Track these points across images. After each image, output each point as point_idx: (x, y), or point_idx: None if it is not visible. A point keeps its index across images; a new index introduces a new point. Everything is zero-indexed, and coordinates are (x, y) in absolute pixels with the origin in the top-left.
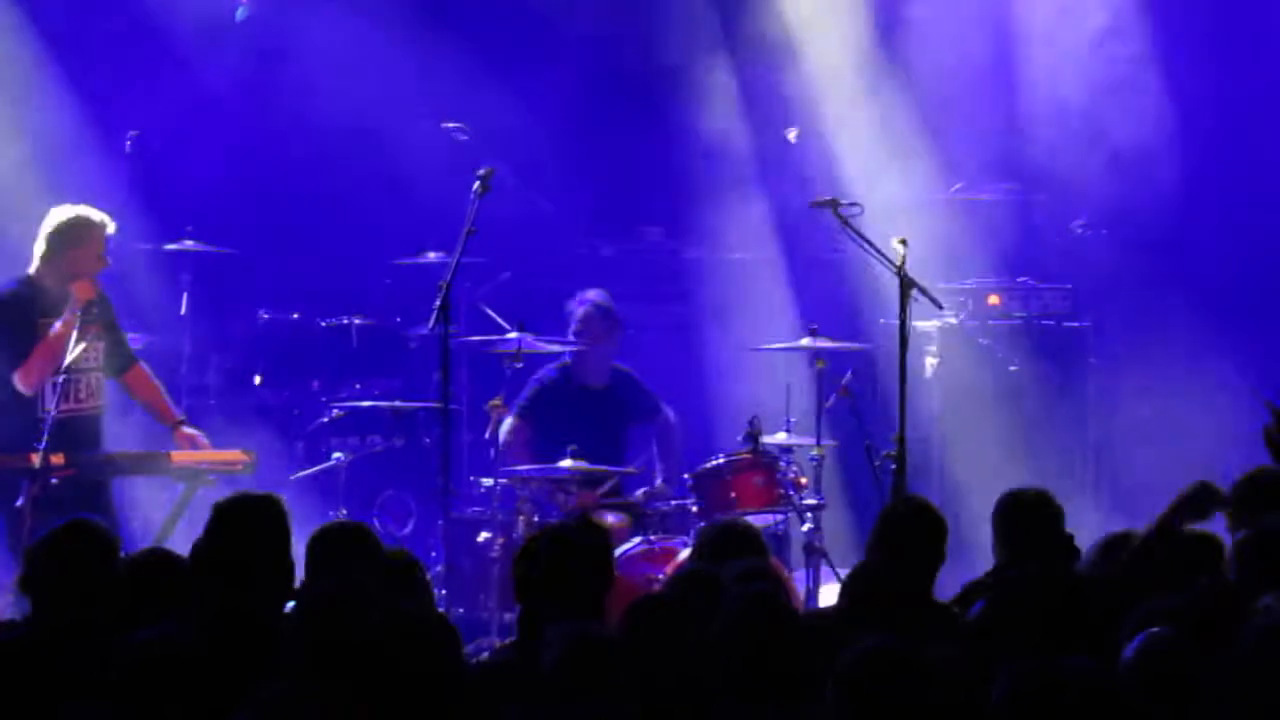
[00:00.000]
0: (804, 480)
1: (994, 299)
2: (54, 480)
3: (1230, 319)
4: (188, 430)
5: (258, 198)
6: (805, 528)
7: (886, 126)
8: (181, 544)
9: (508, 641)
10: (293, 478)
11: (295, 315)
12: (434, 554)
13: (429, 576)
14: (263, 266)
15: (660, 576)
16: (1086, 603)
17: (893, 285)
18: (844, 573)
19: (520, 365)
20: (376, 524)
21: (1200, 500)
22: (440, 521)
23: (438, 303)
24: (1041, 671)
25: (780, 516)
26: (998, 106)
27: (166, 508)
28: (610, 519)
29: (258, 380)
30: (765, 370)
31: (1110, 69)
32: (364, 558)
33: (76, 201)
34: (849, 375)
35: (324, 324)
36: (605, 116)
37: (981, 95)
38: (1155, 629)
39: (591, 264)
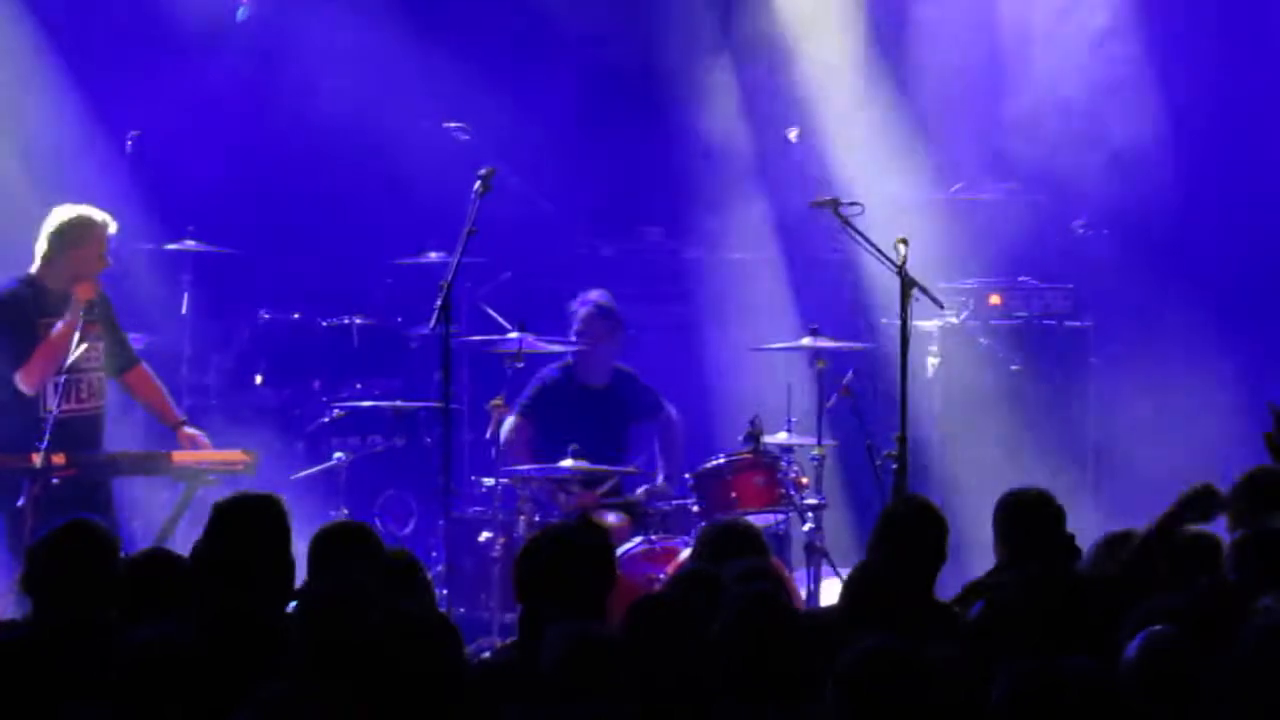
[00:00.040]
0: (805, 480)
1: (995, 299)
2: (55, 480)
3: (1230, 319)
4: (189, 430)
5: (258, 198)
6: (806, 527)
7: (886, 126)
8: (182, 544)
9: (508, 641)
10: (293, 478)
11: (296, 315)
12: (435, 554)
13: (430, 576)
14: (263, 266)
15: (661, 576)
16: (1086, 603)
17: (893, 285)
18: (844, 573)
19: (521, 365)
20: (377, 524)
21: (1202, 502)
22: (441, 521)
23: (438, 302)
24: (1041, 671)
25: (781, 516)
26: (998, 106)
27: (167, 508)
28: (610, 519)
29: (258, 380)
30: (766, 370)
31: (1110, 69)
32: (366, 558)
33: (78, 201)
34: (850, 375)
35: (325, 324)
36: (605, 116)
37: (981, 95)
38: (1156, 628)
39: (592, 264)
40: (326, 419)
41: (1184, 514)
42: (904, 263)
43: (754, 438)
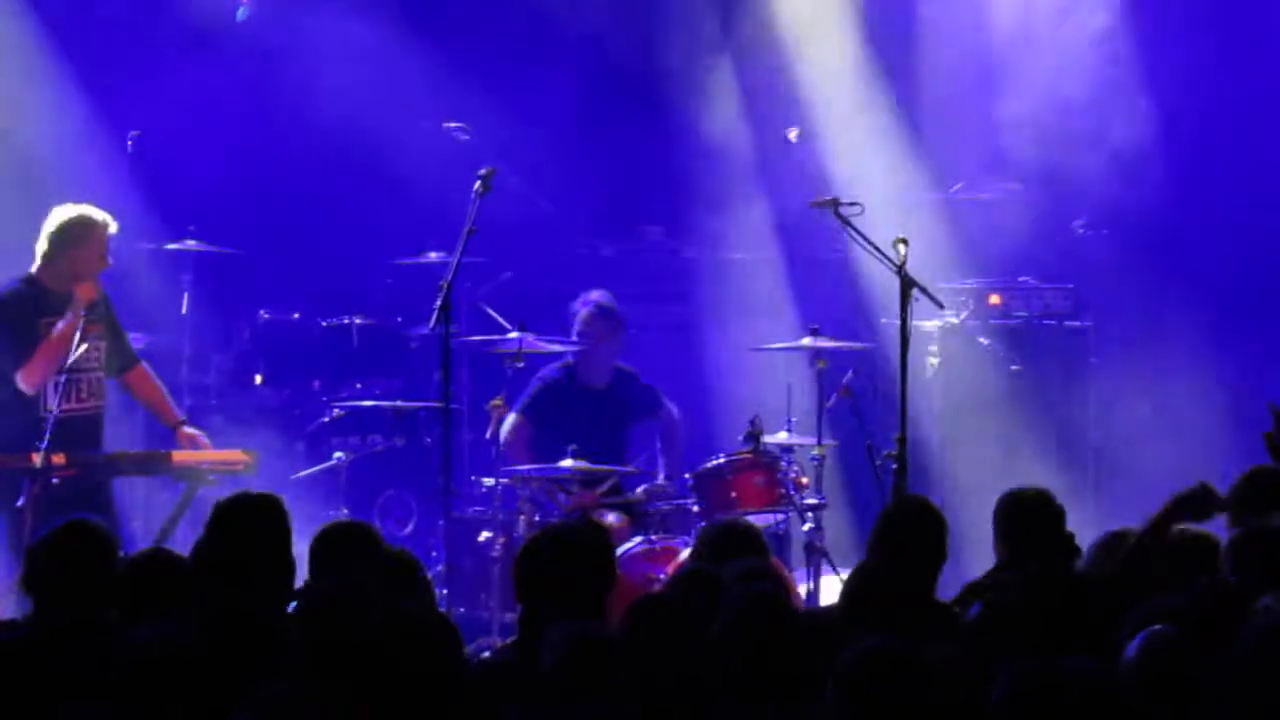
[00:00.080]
0: (805, 480)
1: (995, 299)
2: (55, 480)
3: (1230, 319)
4: (189, 430)
5: (258, 198)
6: (806, 527)
7: (886, 126)
8: (182, 544)
9: (508, 641)
10: (293, 477)
11: (296, 315)
12: (435, 554)
13: (430, 576)
14: (263, 266)
15: (661, 576)
16: (1086, 603)
17: (893, 285)
18: (845, 573)
19: (521, 365)
20: (377, 524)
21: (1199, 501)
22: (441, 521)
23: (438, 302)
24: (1041, 671)
25: (781, 516)
26: (998, 106)
27: (167, 508)
28: (609, 518)
29: (258, 380)
30: (766, 370)
31: (1110, 69)
32: (368, 557)
33: (78, 201)
34: (850, 375)
35: (325, 324)
36: (605, 116)
37: (981, 95)
38: (1156, 628)
39: (592, 264)
40: (326, 419)
41: (1180, 512)
42: (904, 263)
43: (754, 438)
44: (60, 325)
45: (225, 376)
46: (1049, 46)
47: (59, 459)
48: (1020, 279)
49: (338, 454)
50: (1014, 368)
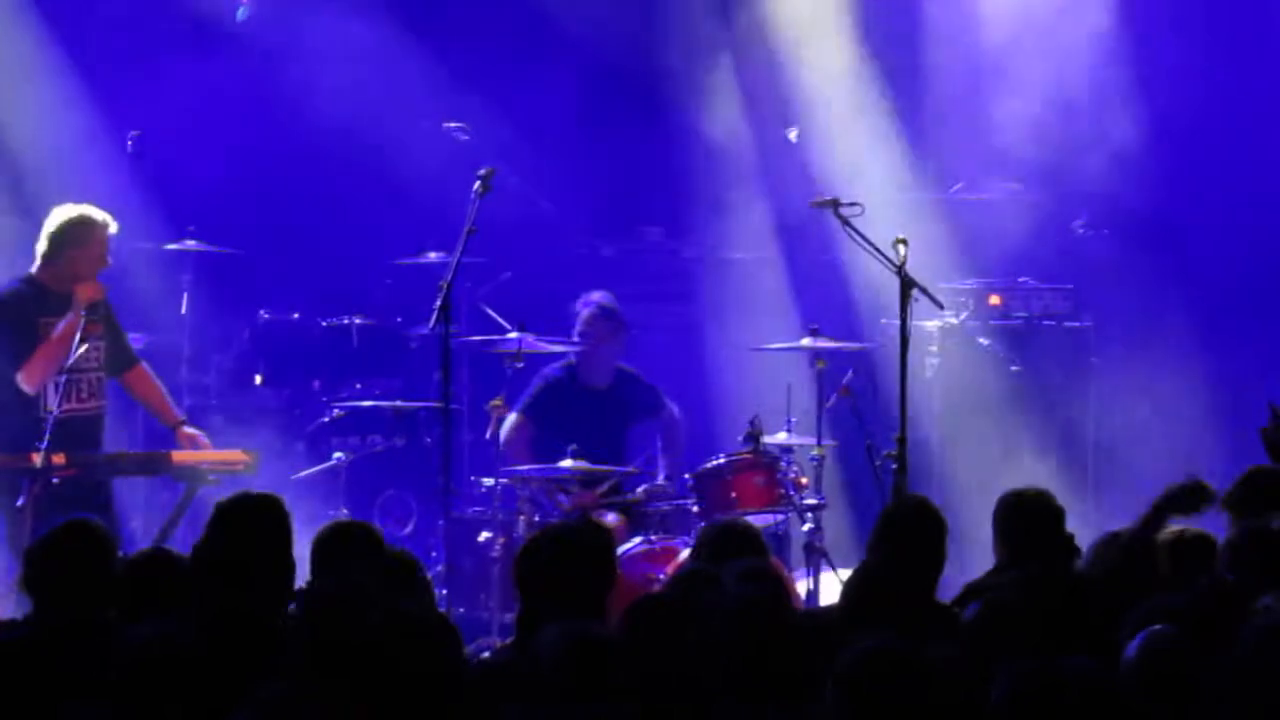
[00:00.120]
0: (804, 480)
1: (995, 299)
2: (55, 480)
3: (1230, 319)
4: (189, 430)
5: (258, 198)
6: (806, 528)
7: (886, 127)
8: (182, 544)
9: (508, 641)
10: (293, 478)
11: (295, 315)
12: (434, 554)
13: (430, 576)
14: (263, 266)
15: (661, 576)
16: (1086, 603)
17: (893, 285)
18: (844, 573)
19: (521, 365)
20: (377, 524)
21: (1189, 495)
22: (441, 521)
23: (438, 303)
24: (1041, 671)
25: (781, 516)
26: (998, 106)
27: (167, 508)
28: (609, 519)
29: (258, 380)
30: (766, 370)
31: (1110, 69)
32: (369, 558)
33: (78, 201)
34: (849, 375)
35: (324, 324)
36: (605, 116)
37: (981, 95)
38: (1156, 628)
39: (592, 264)
40: (326, 419)
41: (1170, 507)
42: (904, 263)
43: (754, 438)
44: (61, 325)
45: (225, 376)
46: (1048, 46)
47: (59, 459)
48: (1020, 279)
49: (338, 454)
50: (1014, 368)
